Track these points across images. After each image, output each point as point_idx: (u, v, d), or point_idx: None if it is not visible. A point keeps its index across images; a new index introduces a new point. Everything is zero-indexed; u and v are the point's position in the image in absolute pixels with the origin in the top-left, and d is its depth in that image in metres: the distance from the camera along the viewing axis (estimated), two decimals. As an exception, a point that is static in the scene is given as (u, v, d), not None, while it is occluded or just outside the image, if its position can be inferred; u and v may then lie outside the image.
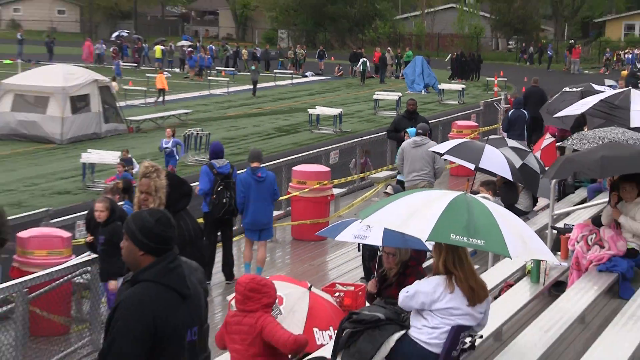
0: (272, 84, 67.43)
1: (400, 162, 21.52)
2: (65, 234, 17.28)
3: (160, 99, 55.31)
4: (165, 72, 63.46)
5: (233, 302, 10.70)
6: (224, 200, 18.22)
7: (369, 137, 33.09)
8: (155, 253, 6.78)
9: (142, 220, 6.85)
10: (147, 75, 61.59)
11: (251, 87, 63.47)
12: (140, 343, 6.61)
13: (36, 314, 14.81)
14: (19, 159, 36.25)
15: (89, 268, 14.94)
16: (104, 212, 14.01)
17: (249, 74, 69.12)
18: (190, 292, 6.93)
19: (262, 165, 19.13)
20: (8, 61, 73.72)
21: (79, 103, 41.39)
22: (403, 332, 9.57)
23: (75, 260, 15.71)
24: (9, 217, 17.85)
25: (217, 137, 33.30)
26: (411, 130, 22.87)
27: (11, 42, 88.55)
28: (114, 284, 14.03)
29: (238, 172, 19.04)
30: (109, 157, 31.97)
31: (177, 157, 30.44)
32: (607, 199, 14.22)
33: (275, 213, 21.51)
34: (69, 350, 15.30)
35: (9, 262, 16.96)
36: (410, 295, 9.44)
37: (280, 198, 21.65)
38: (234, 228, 20.03)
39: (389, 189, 20.93)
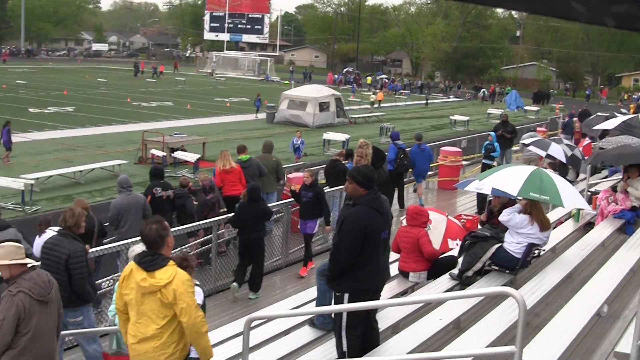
0: (431, 101, 66.55)
1: (523, 146, 21.27)
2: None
3: (377, 105, 55.12)
4: (380, 91, 64.12)
5: (404, 221, 10.67)
6: (405, 162, 18.32)
7: (483, 133, 32.48)
8: (366, 188, 6.81)
9: (360, 170, 6.96)
10: (362, 93, 61.90)
11: (422, 102, 64.89)
12: (358, 238, 6.67)
13: (294, 219, 15.10)
14: (289, 134, 36.73)
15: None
16: (309, 179, 13.69)
17: (419, 94, 69.64)
18: (384, 210, 6.98)
19: (423, 143, 19.28)
20: (286, 82, 75.26)
21: (323, 106, 41.79)
22: (499, 244, 9.43)
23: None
24: (284, 166, 18.41)
25: (398, 129, 32.90)
26: (492, 133, 22.59)
27: (287, 71, 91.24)
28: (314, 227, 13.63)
29: (407, 148, 19.03)
30: (337, 137, 32.64)
31: (301, 150, 29.14)
32: (621, 176, 13.81)
33: (430, 173, 21.66)
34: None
35: (281, 191, 17.43)
36: (508, 219, 9.32)
37: (432, 165, 21.56)
38: (405, 180, 19.98)
39: (495, 163, 20.62)
